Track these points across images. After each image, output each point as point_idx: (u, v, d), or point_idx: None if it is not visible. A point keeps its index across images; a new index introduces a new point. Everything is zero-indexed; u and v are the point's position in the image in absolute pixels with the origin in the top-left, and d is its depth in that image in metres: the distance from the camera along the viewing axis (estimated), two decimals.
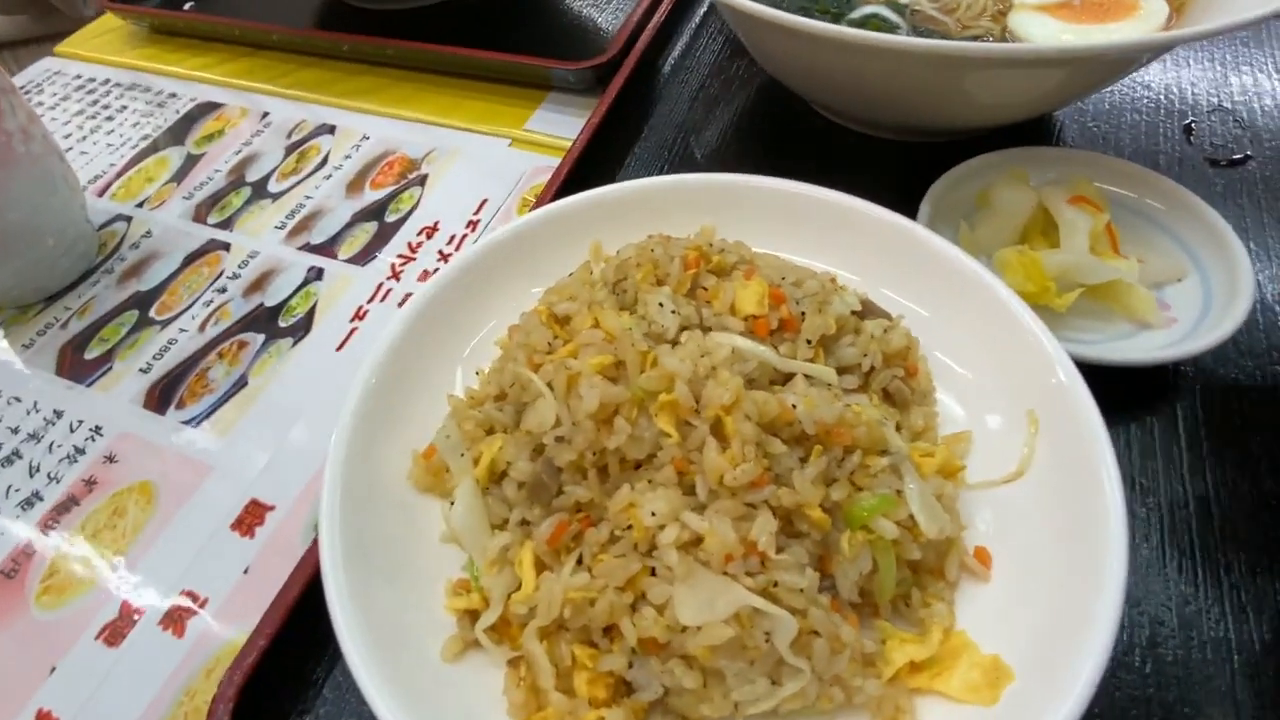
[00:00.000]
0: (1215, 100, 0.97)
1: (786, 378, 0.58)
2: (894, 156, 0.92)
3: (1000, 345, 0.63)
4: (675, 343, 0.59)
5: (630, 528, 0.52)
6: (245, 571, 0.70)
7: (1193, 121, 0.95)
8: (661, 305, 0.60)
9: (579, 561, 0.54)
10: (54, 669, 0.66)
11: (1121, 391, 0.67)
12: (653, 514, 0.50)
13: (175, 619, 0.68)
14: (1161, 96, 0.98)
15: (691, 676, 0.48)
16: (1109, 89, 0.98)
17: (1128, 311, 0.71)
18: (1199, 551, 0.62)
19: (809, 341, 0.59)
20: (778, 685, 0.48)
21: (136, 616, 0.68)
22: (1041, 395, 0.59)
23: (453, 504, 0.61)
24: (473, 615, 0.55)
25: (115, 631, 0.68)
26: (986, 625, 0.53)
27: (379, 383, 0.65)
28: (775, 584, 0.48)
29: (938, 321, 0.67)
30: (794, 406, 0.52)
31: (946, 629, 0.52)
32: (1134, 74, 0.99)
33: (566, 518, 0.54)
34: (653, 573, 0.51)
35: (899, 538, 0.51)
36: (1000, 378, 0.63)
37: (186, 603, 0.69)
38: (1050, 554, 0.53)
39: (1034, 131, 0.95)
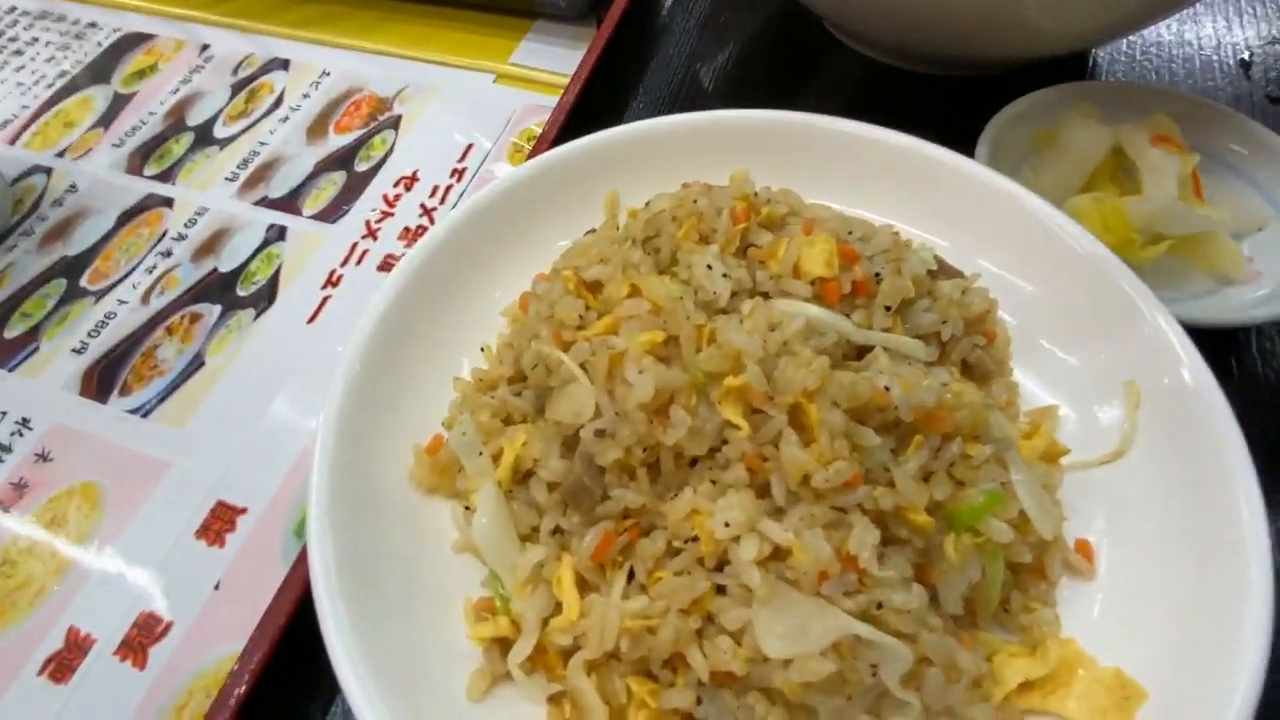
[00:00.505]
0: (1273, 32, 0.89)
1: (860, 351, 0.49)
2: (928, 92, 0.82)
3: (1086, 306, 0.55)
4: (728, 312, 0.50)
5: (694, 539, 0.43)
6: (216, 587, 0.60)
7: (1251, 55, 0.87)
8: (710, 268, 0.51)
9: (630, 578, 0.45)
10: None
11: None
12: (726, 524, 0.41)
13: (135, 647, 0.58)
14: (1216, 30, 0.90)
15: (776, 713, 0.41)
16: (1164, 21, 0.89)
17: (1210, 266, 0.64)
18: None
19: (887, 308, 0.50)
20: None
21: (87, 645, 0.58)
22: (1142, 364, 0.52)
23: (467, 508, 0.51)
24: (502, 644, 0.46)
25: (62, 664, 0.57)
26: (1097, 632, 0.46)
27: (369, 364, 0.55)
28: (879, 605, 0.40)
29: (1006, 278, 0.59)
30: (887, 389, 0.43)
31: (1057, 640, 0.45)
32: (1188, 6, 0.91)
33: (613, 527, 0.45)
34: (720, 590, 0.42)
35: (1011, 540, 0.44)
36: (1087, 344, 0.55)
37: (148, 627, 0.58)
38: (1167, 548, 0.46)
39: (1074, 70, 0.86)
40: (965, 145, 0.68)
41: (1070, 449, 0.51)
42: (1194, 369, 0.49)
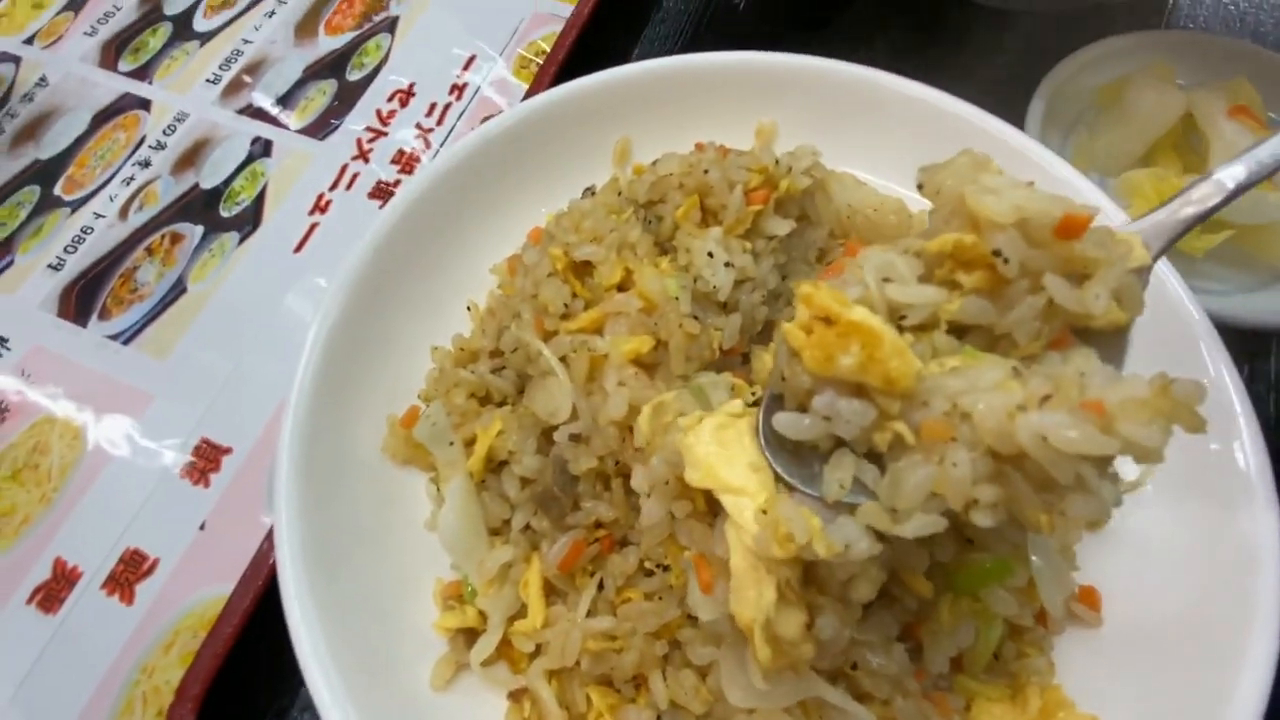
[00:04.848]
0: None
1: None
2: (985, 28, 0.74)
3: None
4: (728, 306, 0.46)
5: (666, 568, 0.41)
6: (201, 528, 0.60)
7: None
8: (712, 255, 0.46)
9: (600, 587, 0.44)
10: None
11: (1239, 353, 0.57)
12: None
13: (121, 582, 0.58)
14: None
15: None
16: None
17: (1271, 257, 0.59)
18: None
19: None
20: None
21: (74, 578, 0.58)
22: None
23: (438, 488, 0.50)
24: (468, 635, 0.46)
25: (50, 595, 0.58)
26: (1089, 678, 0.44)
27: (347, 320, 0.51)
28: (854, 666, 0.39)
29: None
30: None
31: (1039, 687, 0.44)
32: None
33: (584, 536, 0.44)
34: (690, 619, 0.41)
35: (1016, 612, 0.42)
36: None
37: (134, 563, 0.59)
38: (1173, 594, 0.44)
39: (1148, 4, 0.76)
40: (1025, 91, 0.61)
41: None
42: (1225, 389, 0.45)
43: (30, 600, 0.58)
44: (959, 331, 0.35)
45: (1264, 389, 0.59)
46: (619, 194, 0.53)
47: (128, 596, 0.58)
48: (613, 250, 0.47)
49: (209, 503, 0.60)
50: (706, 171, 0.49)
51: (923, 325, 0.35)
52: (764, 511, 0.35)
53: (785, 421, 0.34)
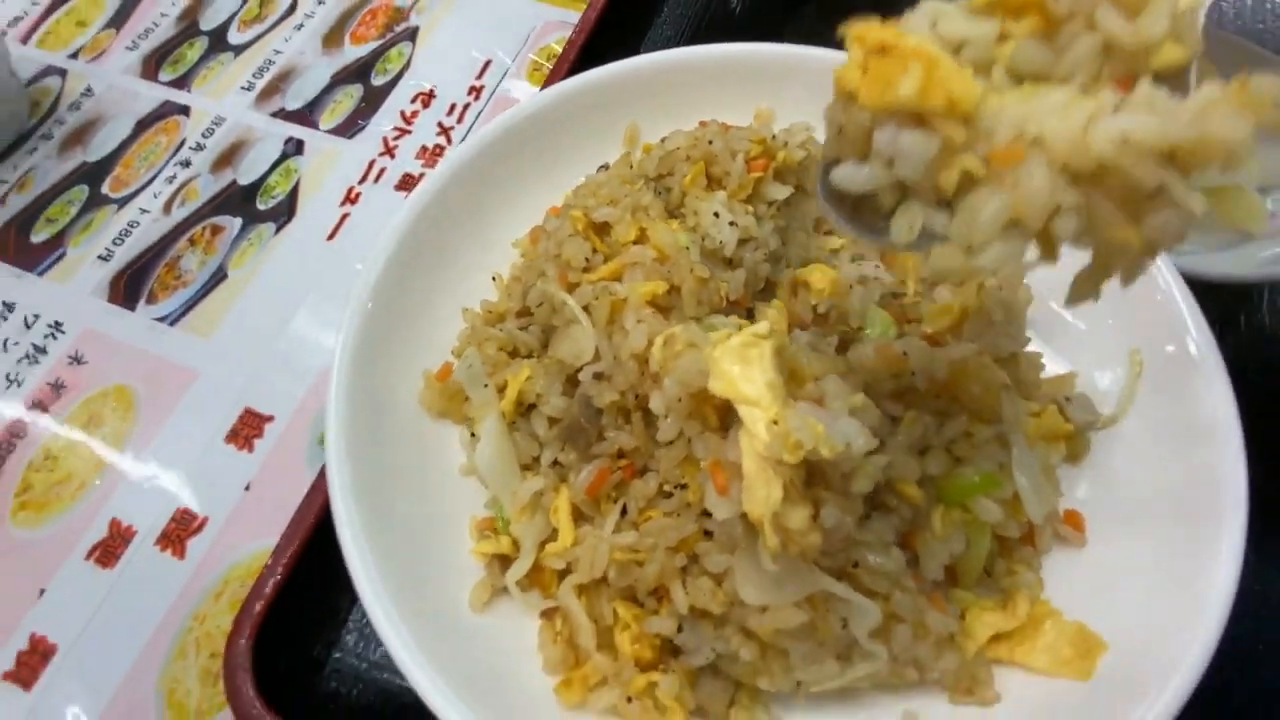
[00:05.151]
0: None
1: None
2: None
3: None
4: (734, 262, 0.51)
5: (683, 486, 0.46)
6: (247, 488, 0.64)
7: None
8: (717, 215, 0.52)
9: (623, 514, 0.48)
10: (43, 591, 0.61)
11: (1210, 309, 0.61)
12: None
13: (173, 539, 0.63)
14: None
15: (749, 648, 0.44)
16: None
17: (1231, 218, 0.64)
18: None
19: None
20: (848, 666, 0.44)
21: (129, 535, 0.63)
22: (1148, 331, 0.52)
23: (472, 434, 0.54)
24: (502, 561, 0.50)
25: (107, 551, 0.62)
26: (1076, 593, 0.48)
27: (384, 289, 0.56)
28: (855, 564, 0.43)
29: None
30: (904, 354, 0.45)
31: (1028, 596, 0.48)
32: None
33: (608, 465, 0.48)
34: (706, 534, 0.45)
35: (1001, 520, 0.46)
36: (1096, 308, 0.55)
37: (184, 522, 0.63)
38: (1155, 516, 0.48)
39: None
40: None
41: (1074, 428, 0.51)
42: (1199, 339, 0.49)
43: (89, 556, 0.62)
44: (1016, 82, 0.33)
45: (1234, 342, 0.64)
46: (630, 168, 0.58)
47: (179, 551, 0.62)
48: (627, 212, 0.52)
49: (254, 466, 0.65)
50: (711, 142, 0.54)
51: (980, 66, 0.33)
52: (774, 423, 0.39)
53: (844, 173, 0.32)
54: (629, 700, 0.45)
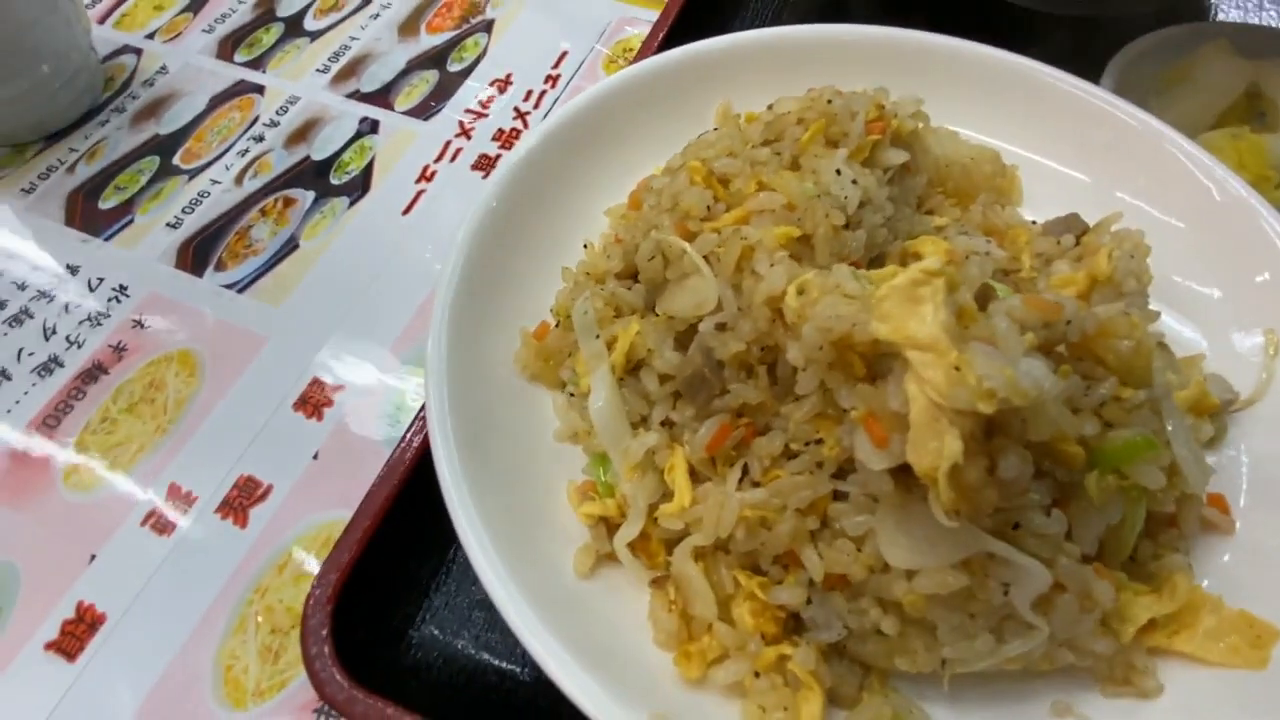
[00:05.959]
0: None
1: None
2: (1048, 29, 0.80)
3: (1224, 244, 0.53)
4: (850, 224, 0.49)
5: (817, 441, 0.42)
6: (315, 457, 0.61)
7: None
8: (839, 173, 0.50)
9: (743, 475, 0.45)
10: (93, 557, 0.57)
11: None
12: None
13: (235, 507, 0.59)
14: None
15: (890, 622, 0.40)
16: None
17: None
18: None
19: None
20: (1001, 643, 0.40)
21: (188, 503, 0.59)
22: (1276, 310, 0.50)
23: (572, 394, 0.51)
24: (608, 524, 0.47)
25: (164, 518, 0.59)
26: (1229, 579, 0.44)
27: (477, 254, 0.54)
28: (1016, 526, 0.39)
29: (1145, 211, 0.57)
30: (1059, 303, 0.42)
31: (1186, 579, 0.44)
32: None
33: (729, 421, 0.45)
34: (838, 496, 0.42)
35: (1163, 487, 0.42)
36: (1223, 284, 0.53)
37: (248, 489, 0.59)
38: None
39: (1192, 15, 0.83)
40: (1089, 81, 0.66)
41: (1220, 403, 0.48)
42: None
43: (144, 522, 0.58)
44: None
45: None
46: (737, 132, 0.56)
47: (241, 520, 0.58)
48: (747, 164, 0.50)
49: (322, 435, 0.62)
50: (830, 101, 0.53)
51: None
52: (956, 369, 0.35)
53: None
54: (756, 675, 0.41)
